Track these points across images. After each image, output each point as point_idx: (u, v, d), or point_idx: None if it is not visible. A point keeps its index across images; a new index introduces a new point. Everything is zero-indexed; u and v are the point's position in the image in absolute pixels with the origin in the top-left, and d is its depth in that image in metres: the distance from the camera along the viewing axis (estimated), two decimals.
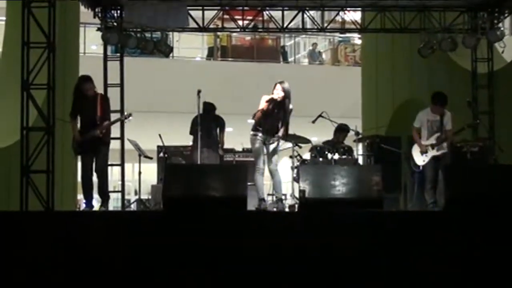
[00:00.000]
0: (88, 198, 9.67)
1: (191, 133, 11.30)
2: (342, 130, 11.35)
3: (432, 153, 9.92)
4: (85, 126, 9.60)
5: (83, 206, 10.32)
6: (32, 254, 6.97)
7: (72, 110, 9.69)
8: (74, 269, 6.97)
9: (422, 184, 10.03)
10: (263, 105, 9.47)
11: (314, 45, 21.57)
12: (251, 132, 9.60)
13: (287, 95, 9.50)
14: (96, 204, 10.20)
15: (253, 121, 9.67)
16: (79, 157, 10.17)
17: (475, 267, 6.97)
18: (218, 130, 11.58)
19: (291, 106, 9.58)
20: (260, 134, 9.50)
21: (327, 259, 6.99)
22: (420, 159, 10.01)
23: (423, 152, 9.96)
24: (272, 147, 9.54)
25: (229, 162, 12.21)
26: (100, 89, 10.28)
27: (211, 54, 20.61)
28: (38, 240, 7.02)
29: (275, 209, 9.71)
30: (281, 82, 9.57)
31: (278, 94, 9.49)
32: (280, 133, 9.61)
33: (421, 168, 10.00)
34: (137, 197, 12.72)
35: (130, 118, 10.01)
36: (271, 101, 9.47)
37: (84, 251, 7.01)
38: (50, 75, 8.78)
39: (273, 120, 9.54)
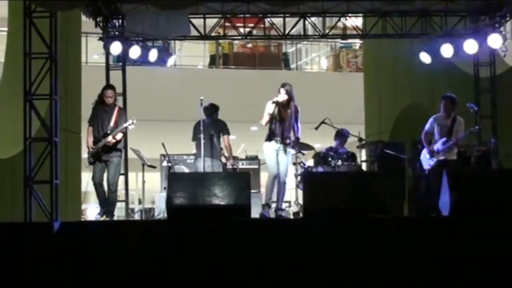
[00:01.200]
0: (103, 203, 9.98)
1: (193, 139, 11.26)
2: (340, 135, 11.33)
3: (437, 157, 9.92)
4: (97, 134, 9.93)
5: (96, 212, 10.43)
6: (37, 264, 6.97)
7: (90, 116, 10.09)
8: (78, 279, 6.97)
9: (427, 189, 10.01)
10: (269, 109, 9.60)
11: None
12: (265, 142, 9.73)
13: (290, 96, 9.66)
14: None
15: (256, 128, 9.75)
16: (86, 167, 10.30)
17: (481, 273, 6.95)
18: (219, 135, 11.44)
19: (298, 108, 9.75)
20: (273, 143, 9.63)
21: (331, 266, 6.98)
22: (426, 163, 10.02)
23: (431, 156, 9.96)
24: (282, 157, 9.60)
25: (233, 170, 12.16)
26: None
27: (213, 62, 20.58)
28: (43, 250, 7.03)
29: (280, 216, 9.72)
30: (283, 85, 9.75)
31: (282, 97, 9.62)
32: (292, 137, 9.71)
33: (427, 171, 10.00)
34: (141, 206, 12.72)
35: (134, 121, 10.06)
36: (276, 104, 9.61)
37: (88, 261, 7.02)
38: (52, 85, 8.76)
39: (282, 125, 9.67)
